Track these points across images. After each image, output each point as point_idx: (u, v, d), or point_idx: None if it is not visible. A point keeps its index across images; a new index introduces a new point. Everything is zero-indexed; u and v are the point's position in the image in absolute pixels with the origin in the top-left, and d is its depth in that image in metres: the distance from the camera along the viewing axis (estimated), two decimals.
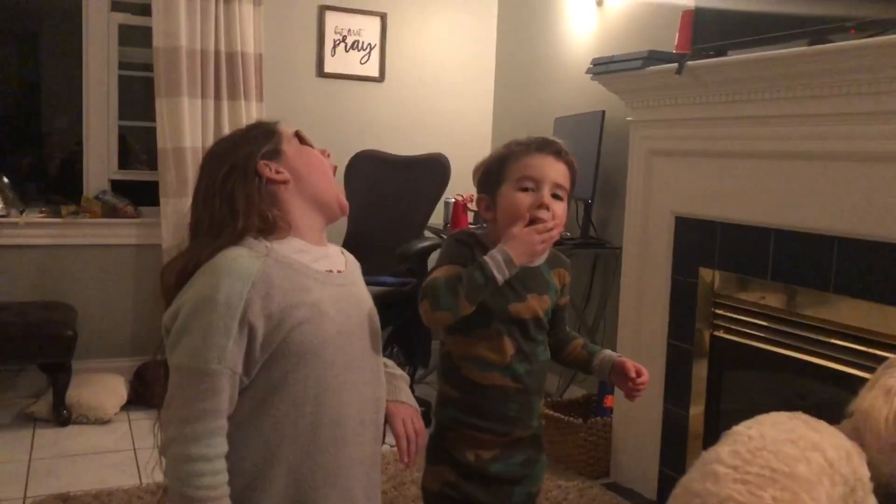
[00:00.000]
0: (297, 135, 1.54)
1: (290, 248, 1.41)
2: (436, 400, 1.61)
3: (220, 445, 1.26)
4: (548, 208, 1.48)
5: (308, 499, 1.34)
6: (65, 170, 5.59)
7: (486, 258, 1.44)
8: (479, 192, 1.59)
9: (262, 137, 1.49)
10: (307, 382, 1.33)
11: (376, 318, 1.51)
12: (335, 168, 1.56)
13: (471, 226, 3.69)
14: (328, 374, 1.35)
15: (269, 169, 1.45)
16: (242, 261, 1.31)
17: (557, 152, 1.53)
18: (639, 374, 1.58)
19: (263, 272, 1.31)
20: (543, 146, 1.54)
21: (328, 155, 1.56)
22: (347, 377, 1.39)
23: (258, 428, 1.31)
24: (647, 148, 2.74)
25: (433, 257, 3.56)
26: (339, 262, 1.51)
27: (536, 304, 1.55)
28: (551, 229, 1.46)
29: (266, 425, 1.31)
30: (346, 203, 1.55)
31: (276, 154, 1.47)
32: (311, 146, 1.55)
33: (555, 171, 1.52)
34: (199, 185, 1.46)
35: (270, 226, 1.40)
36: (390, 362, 1.59)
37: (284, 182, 1.45)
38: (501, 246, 1.45)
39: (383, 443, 1.50)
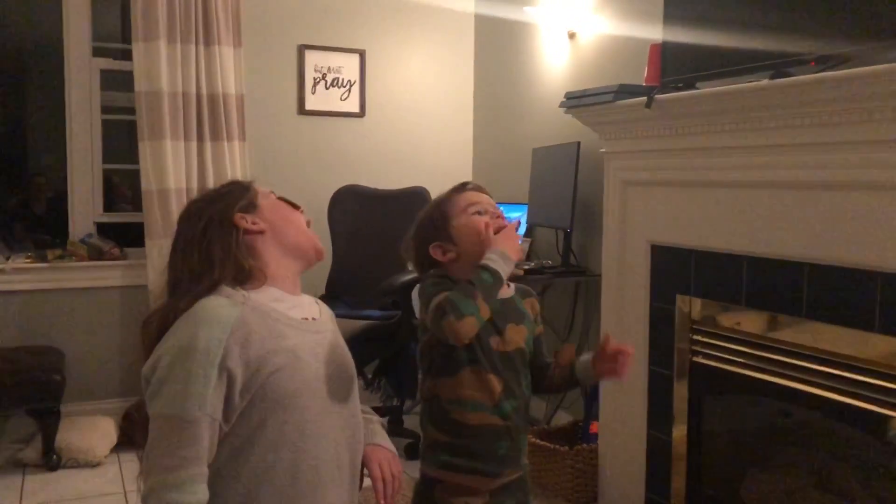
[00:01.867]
0: (281, 198, 1.61)
1: (266, 296, 1.44)
2: (423, 445, 1.64)
3: (202, 492, 1.28)
4: (503, 218, 1.62)
5: None
6: (52, 209, 5.62)
7: (485, 260, 1.50)
8: (425, 246, 1.63)
9: (237, 192, 1.55)
10: (285, 428, 1.35)
11: (352, 364, 1.55)
12: (310, 221, 1.61)
13: None
14: (305, 419, 1.38)
15: (245, 220, 1.49)
16: (221, 309, 1.34)
17: (478, 188, 1.68)
18: (621, 350, 1.60)
19: (241, 319, 1.34)
20: (465, 185, 1.68)
21: (302, 211, 1.61)
22: (324, 422, 1.41)
23: (237, 475, 1.33)
24: (621, 178, 2.79)
25: (416, 292, 3.61)
26: (312, 311, 1.54)
27: (516, 335, 1.60)
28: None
29: (245, 472, 1.33)
30: (322, 248, 1.60)
31: (251, 207, 1.52)
32: (294, 205, 1.61)
33: (487, 198, 1.66)
34: (176, 242, 1.50)
35: (247, 275, 1.44)
36: (366, 407, 1.62)
37: (261, 232, 1.50)
38: (492, 248, 1.52)
39: (360, 487, 1.52)
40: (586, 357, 1.65)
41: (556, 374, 1.70)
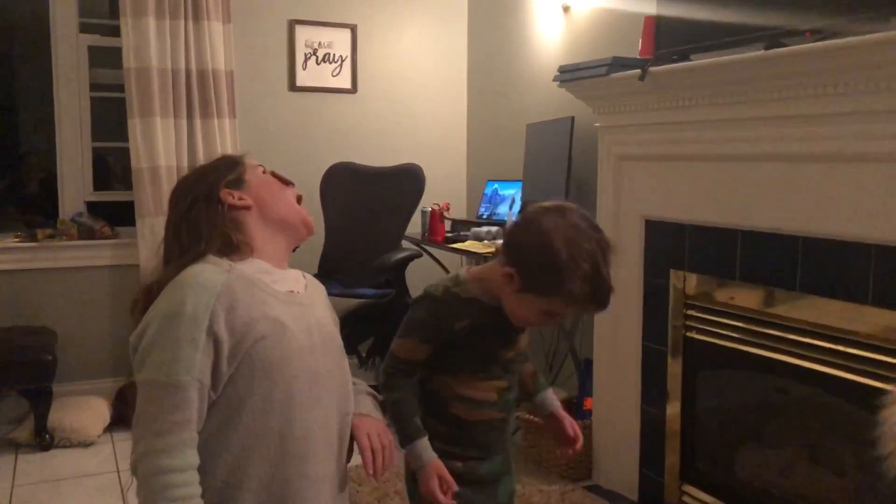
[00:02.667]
0: (273, 174, 1.59)
1: (252, 267, 1.44)
2: None
3: (192, 457, 1.27)
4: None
5: None
6: (44, 189, 5.58)
7: (414, 445, 1.50)
8: (510, 264, 1.46)
9: (224, 168, 1.53)
10: (273, 396, 1.34)
11: (339, 338, 1.54)
12: (301, 197, 1.59)
13: (448, 234, 3.71)
14: (293, 388, 1.37)
15: (231, 196, 1.48)
16: (207, 275, 1.35)
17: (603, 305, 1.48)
18: (576, 437, 1.63)
19: (227, 286, 1.34)
20: (601, 302, 1.43)
21: (293, 186, 1.60)
22: (313, 392, 1.40)
23: (226, 443, 1.32)
24: (615, 153, 2.77)
25: (412, 269, 3.59)
26: (299, 285, 1.53)
27: (522, 343, 1.61)
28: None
29: (234, 440, 1.33)
30: (310, 222, 1.58)
31: (239, 182, 1.51)
32: (285, 181, 1.59)
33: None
34: (168, 220, 1.50)
35: (233, 248, 1.44)
36: (357, 380, 1.61)
37: (247, 208, 1.49)
38: (426, 463, 1.49)
39: (349, 458, 1.52)
40: (548, 403, 1.70)
41: (522, 378, 1.69)
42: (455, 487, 1.49)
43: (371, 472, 1.48)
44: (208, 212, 1.46)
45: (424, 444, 1.50)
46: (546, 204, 1.48)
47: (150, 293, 1.39)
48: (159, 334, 1.30)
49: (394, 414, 1.52)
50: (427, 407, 1.56)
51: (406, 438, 1.51)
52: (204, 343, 1.28)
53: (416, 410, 1.52)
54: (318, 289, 1.61)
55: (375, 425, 1.53)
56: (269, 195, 1.53)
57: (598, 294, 1.40)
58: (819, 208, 2.06)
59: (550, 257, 1.38)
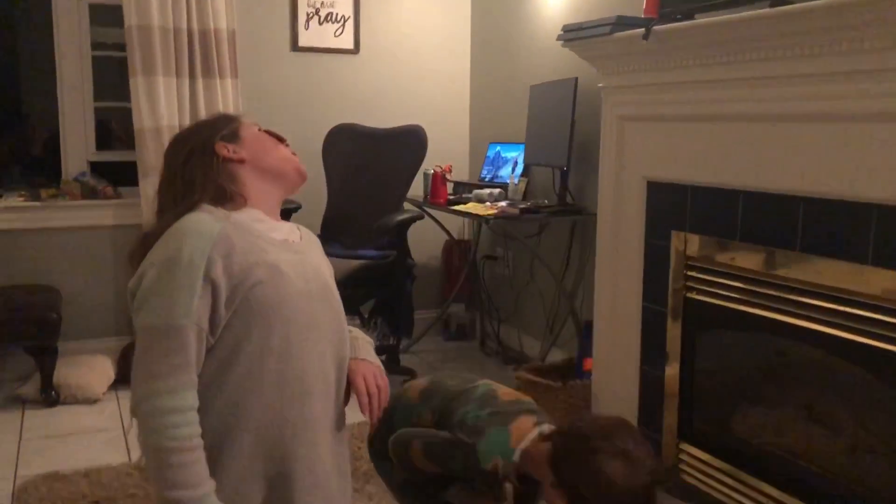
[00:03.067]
0: (267, 132, 1.62)
1: (247, 216, 1.47)
2: None
3: (192, 399, 1.30)
4: None
5: (275, 454, 1.39)
6: (48, 151, 5.57)
7: None
8: (563, 487, 1.60)
9: (221, 123, 1.56)
10: (270, 340, 1.37)
11: (334, 285, 1.57)
12: (294, 154, 1.62)
13: (450, 196, 3.71)
14: (290, 331, 1.39)
15: (226, 149, 1.51)
16: (203, 223, 1.37)
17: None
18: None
19: (223, 233, 1.37)
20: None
21: (287, 144, 1.63)
22: (310, 336, 1.43)
23: (223, 386, 1.35)
24: (618, 114, 2.76)
25: (413, 231, 3.60)
26: (293, 235, 1.56)
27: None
28: None
29: (231, 383, 1.35)
30: (304, 169, 1.61)
31: (234, 137, 1.54)
32: (279, 138, 1.62)
33: None
34: (163, 171, 1.52)
35: (227, 197, 1.47)
36: (353, 326, 1.63)
37: (241, 161, 1.52)
38: None
39: (346, 403, 1.55)
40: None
41: None
42: None
43: (366, 413, 1.52)
44: (203, 163, 1.48)
45: None
46: (611, 445, 1.54)
47: (146, 242, 1.41)
48: (157, 280, 1.32)
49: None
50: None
51: None
52: (201, 288, 1.31)
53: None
54: (313, 239, 1.64)
55: (371, 369, 1.56)
56: (262, 148, 1.55)
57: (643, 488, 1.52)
58: (821, 168, 2.06)
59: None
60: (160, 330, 1.29)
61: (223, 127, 1.54)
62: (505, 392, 1.94)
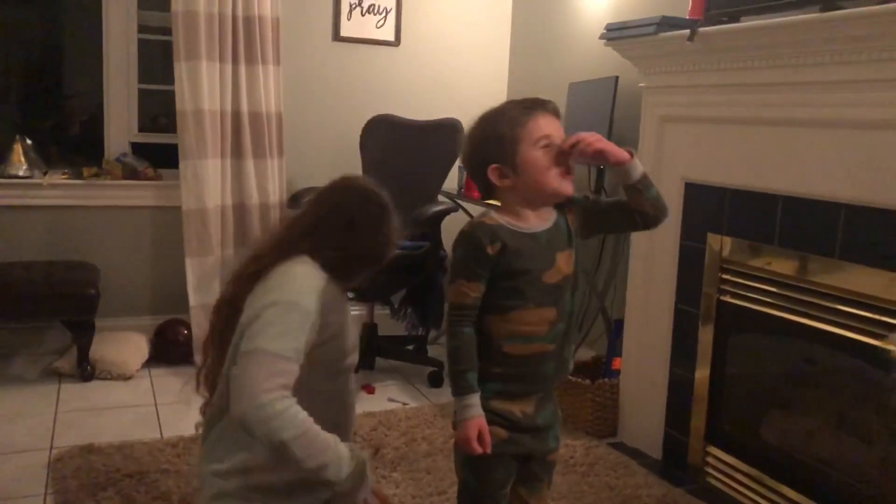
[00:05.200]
0: None
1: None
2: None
3: (292, 400, 1.49)
4: (570, 156, 1.56)
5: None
6: (86, 132, 5.66)
7: (466, 398, 1.54)
8: (484, 163, 1.58)
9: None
10: (320, 385, 1.64)
11: None
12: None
13: None
14: (340, 380, 1.73)
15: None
16: (316, 278, 1.62)
17: (555, 111, 1.60)
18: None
19: (325, 289, 1.61)
20: (545, 104, 1.59)
21: None
22: (346, 386, 1.76)
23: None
24: (658, 114, 2.75)
25: (447, 224, 3.61)
26: None
27: (564, 264, 1.60)
28: None
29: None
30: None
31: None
32: None
33: (558, 127, 1.59)
34: (324, 211, 1.72)
35: (331, 266, 1.67)
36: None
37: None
38: (469, 418, 1.54)
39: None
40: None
41: (633, 202, 1.63)
42: (489, 449, 1.54)
43: None
44: (347, 235, 1.68)
45: (472, 400, 1.54)
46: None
47: (259, 263, 1.66)
48: (278, 316, 1.53)
49: (450, 363, 1.57)
50: (483, 351, 1.58)
51: (457, 390, 1.56)
52: (307, 333, 1.54)
53: (471, 363, 1.55)
54: None
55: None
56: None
57: (536, 101, 1.58)
58: (863, 176, 2.04)
59: (489, 125, 1.58)
60: (275, 356, 1.48)
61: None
62: None
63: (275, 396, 1.44)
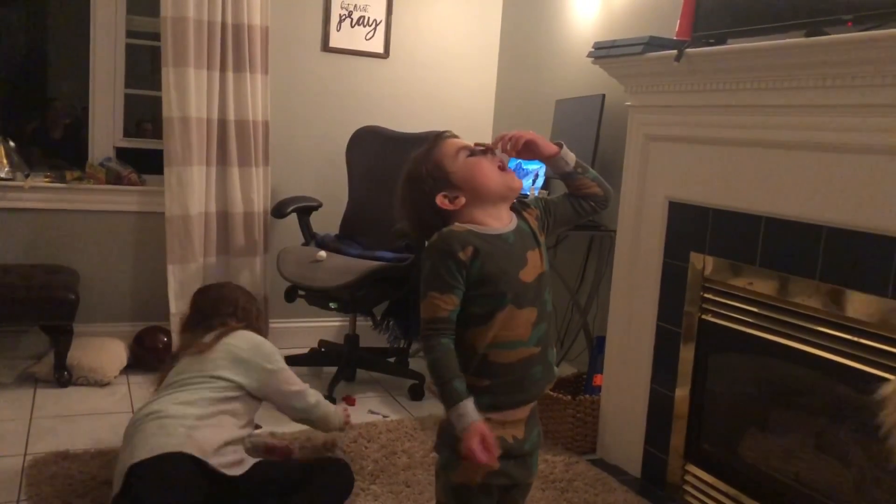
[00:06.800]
0: None
1: None
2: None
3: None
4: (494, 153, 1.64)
5: None
6: (69, 135, 5.61)
7: (458, 408, 1.48)
8: (428, 201, 1.62)
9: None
10: None
11: None
12: None
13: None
14: None
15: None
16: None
17: (453, 135, 1.70)
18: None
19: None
20: (442, 133, 1.71)
21: None
22: None
23: None
24: (644, 133, 2.78)
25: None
26: None
27: (536, 261, 1.62)
28: None
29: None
30: None
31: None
32: None
33: (465, 141, 1.67)
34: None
35: None
36: None
37: None
38: (468, 424, 1.47)
39: None
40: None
41: (579, 188, 1.73)
42: (496, 451, 1.47)
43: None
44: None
45: (465, 408, 1.48)
46: None
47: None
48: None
49: (433, 376, 1.53)
50: (468, 366, 1.55)
51: (447, 402, 1.50)
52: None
53: (454, 371, 1.50)
54: None
55: None
56: None
57: (435, 134, 1.70)
58: (845, 199, 2.07)
59: (414, 173, 1.66)
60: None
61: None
62: None
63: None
